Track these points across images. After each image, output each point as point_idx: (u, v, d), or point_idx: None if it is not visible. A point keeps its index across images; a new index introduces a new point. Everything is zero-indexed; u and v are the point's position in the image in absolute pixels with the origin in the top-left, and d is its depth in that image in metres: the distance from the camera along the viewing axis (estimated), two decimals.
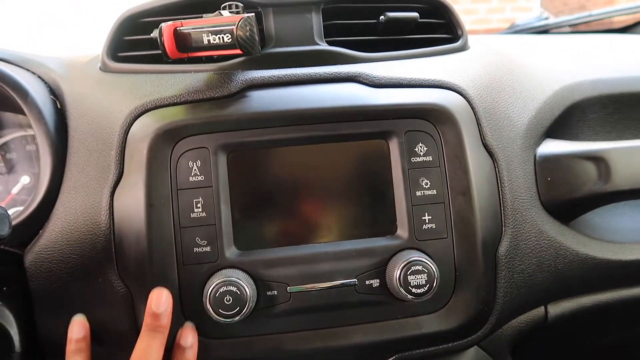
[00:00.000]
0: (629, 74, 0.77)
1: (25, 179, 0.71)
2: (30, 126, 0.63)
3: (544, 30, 1.42)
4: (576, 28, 1.44)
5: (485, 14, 4.36)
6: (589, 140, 0.74)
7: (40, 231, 0.58)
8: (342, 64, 0.61)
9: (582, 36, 1.13)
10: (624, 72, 0.77)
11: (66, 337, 0.56)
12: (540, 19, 1.43)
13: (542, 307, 0.68)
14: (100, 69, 0.65)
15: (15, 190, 0.71)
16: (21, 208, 0.62)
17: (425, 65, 0.64)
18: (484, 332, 0.60)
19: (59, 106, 0.63)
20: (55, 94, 0.64)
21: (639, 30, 1.30)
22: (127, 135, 0.56)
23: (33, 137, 0.70)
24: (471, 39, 0.73)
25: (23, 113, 0.61)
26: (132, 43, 0.66)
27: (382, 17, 0.66)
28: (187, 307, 0.54)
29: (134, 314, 0.55)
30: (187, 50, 0.58)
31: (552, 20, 1.42)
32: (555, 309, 0.68)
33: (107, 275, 0.55)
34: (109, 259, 0.55)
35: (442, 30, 0.72)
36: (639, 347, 0.89)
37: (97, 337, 0.58)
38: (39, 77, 0.65)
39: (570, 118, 0.73)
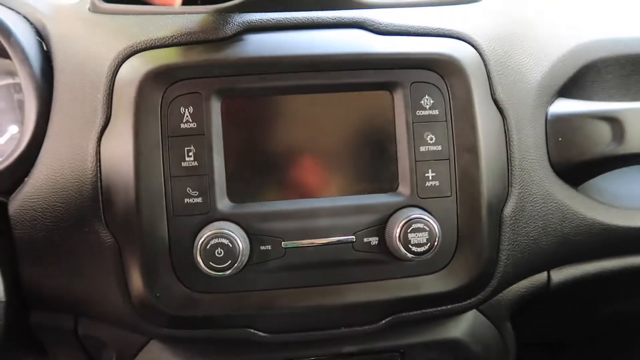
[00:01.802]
0: None
1: (13, 129, 0.68)
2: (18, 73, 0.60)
3: None
4: None
5: None
6: (603, 101, 0.70)
7: (26, 178, 0.56)
8: (347, 9, 0.58)
9: None
10: None
11: (51, 289, 0.55)
12: None
13: (545, 273, 0.66)
14: (89, 9, 0.61)
15: (2, 140, 0.68)
16: None
17: (435, 13, 0.60)
18: (484, 296, 0.58)
19: (45, 48, 0.59)
20: (41, 35, 0.60)
21: None
22: (115, 77, 0.53)
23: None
24: None
25: (9, 57, 0.58)
26: None
27: None
28: (176, 260, 0.52)
29: (122, 269, 0.53)
30: None
31: None
32: (559, 275, 0.67)
33: (94, 224, 0.53)
34: (95, 207, 0.53)
35: None
36: (638, 319, 0.88)
37: (84, 303, 0.56)
38: (24, 16, 0.61)
39: (585, 78, 0.69)
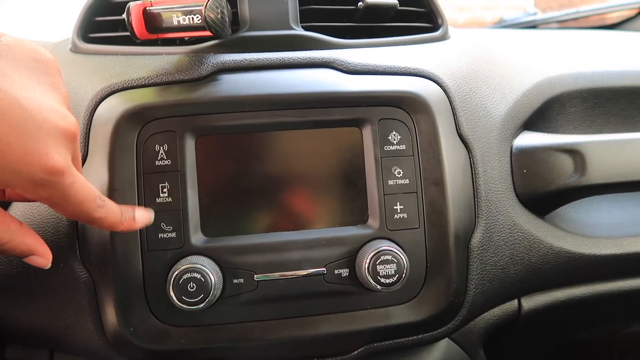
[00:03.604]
0: (611, 68, 0.77)
1: None
2: None
3: (532, 26, 1.41)
4: (565, 24, 1.43)
5: (479, 11, 4.35)
6: (568, 134, 0.73)
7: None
8: (317, 49, 0.60)
9: (568, 31, 1.12)
10: (605, 67, 0.77)
11: (27, 324, 0.55)
12: (528, 14, 1.42)
13: (516, 301, 0.68)
14: (70, 50, 0.64)
15: None
16: None
17: (402, 53, 0.63)
18: (455, 324, 0.59)
19: None
20: None
21: (628, 26, 1.30)
22: (92, 116, 0.55)
23: None
24: (454, 32, 0.72)
25: None
26: (103, 24, 0.64)
27: (360, 3, 0.65)
28: (150, 294, 0.53)
29: (97, 304, 0.54)
30: (156, 31, 0.56)
31: (540, 16, 1.42)
32: (529, 302, 0.68)
33: (69, 260, 0.54)
34: (71, 243, 0.54)
35: (423, 19, 0.70)
36: (611, 344, 0.89)
37: (59, 337, 0.56)
38: None
39: (550, 111, 0.72)
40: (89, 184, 0.43)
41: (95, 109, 0.55)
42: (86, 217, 0.44)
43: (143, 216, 0.50)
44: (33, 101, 0.37)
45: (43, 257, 0.45)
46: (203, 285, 0.50)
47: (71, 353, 0.59)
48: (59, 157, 0.38)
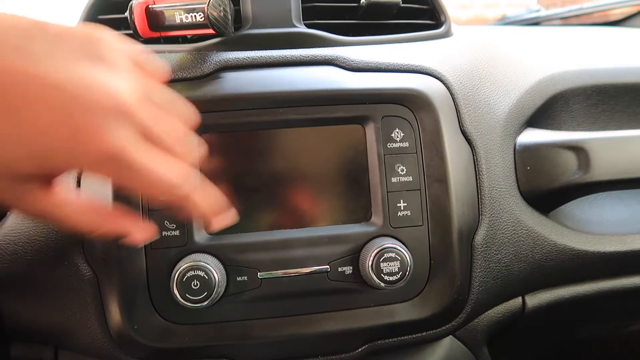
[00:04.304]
0: (614, 65, 0.76)
1: None
2: None
3: (535, 23, 1.41)
4: (568, 21, 1.43)
5: (481, 9, 4.34)
6: (572, 130, 0.73)
7: (8, 213, 0.57)
8: (320, 47, 0.60)
9: (571, 28, 1.12)
10: (609, 63, 0.77)
11: (31, 322, 0.55)
12: (531, 11, 1.42)
13: (520, 298, 0.68)
14: None
15: None
16: None
17: (405, 50, 0.62)
18: (459, 322, 0.59)
19: None
20: None
21: (632, 23, 1.29)
22: None
23: None
24: (457, 29, 0.72)
25: None
26: (106, 22, 0.64)
27: (363, 0, 0.65)
28: (154, 292, 0.53)
29: (101, 302, 0.54)
30: (159, 29, 0.57)
31: (543, 12, 1.41)
32: (533, 300, 0.68)
33: (73, 258, 0.54)
34: (75, 241, 0.54)
35: (425, 17, 0.70)
36: (615, 342, 0.89)
37: (63, 335, 0.57)
38: None
39: (554, 108, 0.72)
40: (164, 161, 0.39)
41: None
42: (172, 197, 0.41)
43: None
44: (80, 81, 0.36)
45: (134, 237, 0.44)
46: (206, 283, 0.50)
47: (75, 350, 0.59)
48: (111, 136, 0.36)
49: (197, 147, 0.46)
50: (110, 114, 0.36)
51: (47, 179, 0.40)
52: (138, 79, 0.40)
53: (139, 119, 0.38)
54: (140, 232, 0.44)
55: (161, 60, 0.57)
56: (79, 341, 0.57)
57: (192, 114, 0.45)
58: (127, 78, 0.39)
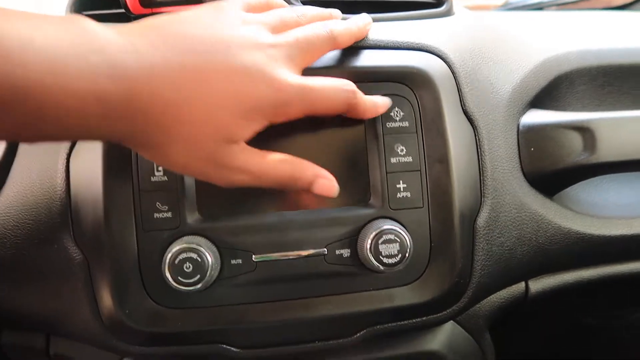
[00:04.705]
0: (619, 46, 0.74)
1: None
2: None
3: (538, 8, 1.38)
4: (571, 6, 1.40)
5: None
6: (577, 112, 0.71)
7: None
8: None
9: (575, 12, 1.10)
10: (614, 44, 0.75)
11: (21, 308, 0.54)
12: None
13: (523, 283, 0.66)
14: None
15: None
16: None
17: (404, 28, 0.60)
18: (460, 307, 0.58)
19: None
20: None
21: (636, 7, 1.26)
22: None
23: None
24: (458, 9, 0.69)
25: None
26: (97, 1, 0.62)
27: None
28: (146, 276, 0.52)
29: (92, 286, 0.53)
30: (150, 5, 0.55)
31: None
32: (536, 285, 0.66)
33: (63, 241, 0.53)
34: (64, 223, 0.53)
35: None
36: (619, 329, 0.88)
37: (54, 321, 0.55)
38: None
39: (558, 89, 0.70)
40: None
41: None
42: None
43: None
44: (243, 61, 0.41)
45: (331, 185, 0.49)
46: (199, 266, 0.49)
47: (67, 337, 0.58)
48: (288, 78, 0.43)
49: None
50: (271, 60, 0.42)
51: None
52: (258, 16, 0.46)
53: (287, 45, 0.44)
54: (330, 179, 0.48)
55: None
56: (70, 327, 0.55)
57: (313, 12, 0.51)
58: (252, 22, 0.45)
